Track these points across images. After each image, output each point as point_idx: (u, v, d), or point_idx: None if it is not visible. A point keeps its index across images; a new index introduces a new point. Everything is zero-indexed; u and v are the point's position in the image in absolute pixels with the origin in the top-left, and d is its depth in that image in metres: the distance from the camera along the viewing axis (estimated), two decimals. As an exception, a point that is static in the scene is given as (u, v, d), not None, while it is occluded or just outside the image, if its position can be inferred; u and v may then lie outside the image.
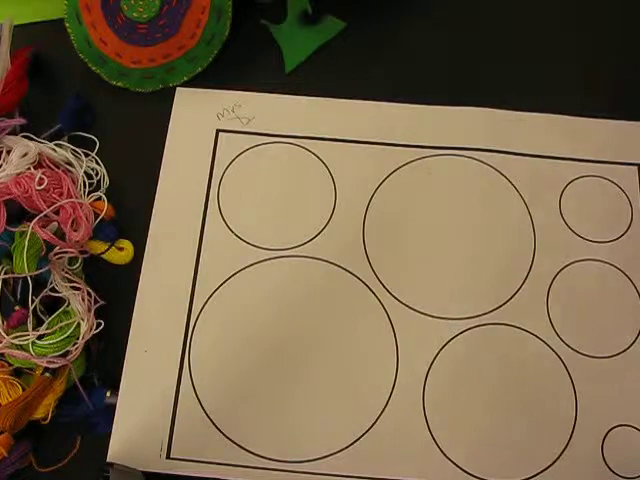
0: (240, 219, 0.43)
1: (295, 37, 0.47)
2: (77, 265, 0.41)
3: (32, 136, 0.42)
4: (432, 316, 0.41)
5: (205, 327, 0.41)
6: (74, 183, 0.41)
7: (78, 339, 0.38)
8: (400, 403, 0.39)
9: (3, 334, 0.37)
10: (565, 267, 0.42)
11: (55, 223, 0.40)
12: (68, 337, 0.37)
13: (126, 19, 0.44)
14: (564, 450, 0.38)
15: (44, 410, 0.37)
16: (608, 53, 0.45)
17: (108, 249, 0.41)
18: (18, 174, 0.40)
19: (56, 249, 0.39)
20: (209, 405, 0.39)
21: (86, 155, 0.43)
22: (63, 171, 0.41)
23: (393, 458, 0.38)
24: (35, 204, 0.39)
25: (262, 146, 0.45)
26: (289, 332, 0.40)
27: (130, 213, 0.43)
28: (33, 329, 0.37)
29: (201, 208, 0.43)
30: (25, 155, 0.41)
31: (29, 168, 0.40)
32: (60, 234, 0.39)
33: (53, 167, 0.41)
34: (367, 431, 0.38)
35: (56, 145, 0.43)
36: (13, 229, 0.39)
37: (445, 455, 0.38)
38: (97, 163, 0.44)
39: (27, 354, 0.37)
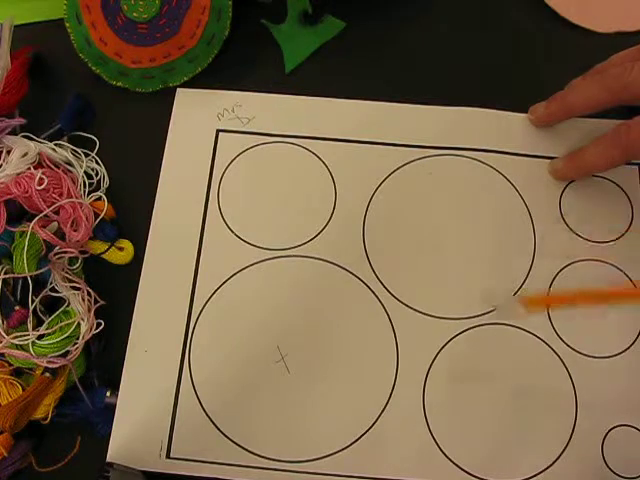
0: (240, 219, 0.43)
1: (295, 37, 0.47)
2: (77, 265, 0.41)
3: (32, 136, 0.42)
4: (432, 316, 0.41)
5: (205, 327, 0.41)
6: (74, 183, 0.41)
7: (78, 339, 0.38)
8: (400, 403, 0.39)
9: (3, 334, 0.37)
10: (565, 267, 0.42)
11: (55, 223, 0.40)
12: (68, 337, 0.37)
13: (126, 19, 0.44)
14: (564, 450, 0.38)
15: (44, 410, 0.37)
16: (608, 53, 0.44)
17: (108, 249, 0.41)
18: (18, 174, 0.40)
19: (56, 249, 0.39)
20: (209, 405, 0.39)
21: (86, 155, 0.43)
22: (63, 171, 0.41)
23: (393, 458, 0.38)
24: (35, 204, 0.39)
25: (262, 146, 0.45)
26: (289, 332, 0.40)
27: (130, 213, 0.43)
28: (33, 329, 0.37)
29: (201, 208, 0.43)
30: (25, 155, 0.41)
31: (29, 168, 0.40)
32: (60, 234, 0.39)
33: (53, 167, 0.41)
34: (367, 431, 0.38)
35: (56, 145, 0.43)
36: (13, 229, 0.39)
37: (445, 455, 0.38)
38: (97, 163, 0.44)
39: (27, 354, 0.37)
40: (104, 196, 0.42)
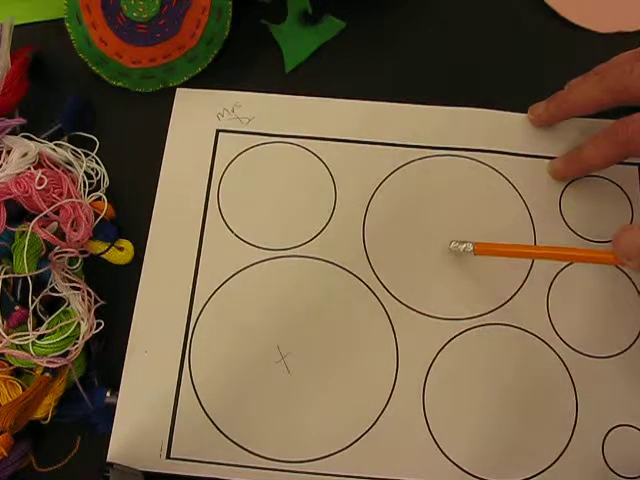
0: (240, 219, 0.43)
1: (295, 37, 0.47)
2: (77, 265, 0.41)
3: (32, 136, 0.42)
4: (432, 316, 0.41)
5: (205, 327, 0.41)
6: (74, 183, 0.41)
7: (78, 339, 0.38)
8: (400, 403, 0.39)
9: (3, 334, 0.37)
10: (565, 267, 0.42)
11: (55, 223, 0.40)
12: (68, 337, 0.37)
13: (126, 19, 0.44)
14: (564, 450, 0.38)
15: (44, 410, 0.37)
16: (608, 53, 0.44)
17: (108, 249, 0.41)
18: (18, 174, 0.40)
19: (56, 249, 0.39)
20: (209, 405, 0.39)
21: (86, 155, 0.43)
22: (63, 171, 0.41)
23: (393, 458, 0.38)
24: (35, 204, 0.39)
25: (262, 146, 0.45)
26: (289, 332, 0.40)
27: (130, 213, 0.43)
28: (33, 329, 0.37)
29: (201, 208, 0.43)
30: (25, 155, 0.41)
31: (29, 168, 0.40)
32: (60, 234, 0.39)
33: (53, 167, 0.41)
34: (367, 431, 0.39)
35: (56, 145, 0.43)
36: (13, 229, 0.39)
37: (445, 455, 0.38)
38: (97, 163, 0.44)
39: (27, 354, 0.37)
40: (104, 196, 0.42)
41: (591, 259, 0.36)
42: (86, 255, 0.41)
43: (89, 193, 0.43)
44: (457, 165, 0.44)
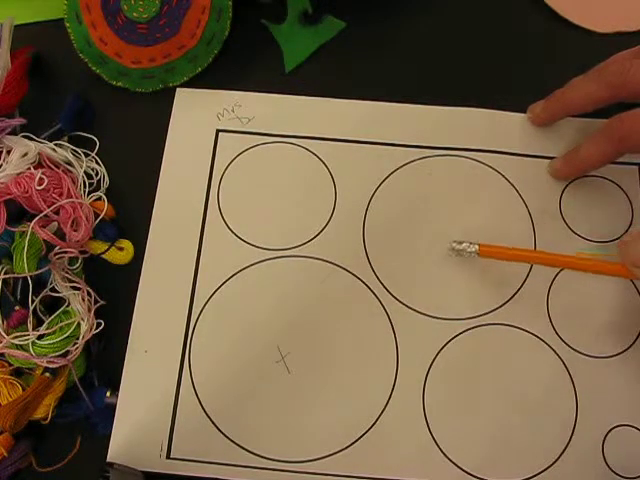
0: (240, 219, 0.43)
1: (295, 37, 0.47)
2: (77, 265, 0.41)
3: (32, 136, 0.42)
4: (432, 316, 0.41)
5: (205, 327, 0.41)
6: (74, 183, 0.41)
7: (78, 339, 0.38)
8: (400, 403, 0.39)
9: (3, 334, 0.37)
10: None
11: (55, 223, 0.40)
12: (68, 337, 0.37)
13: (126, 19, 0.44)
14: (564, 450, 0.38)
15: (44, 410, 0.37)
16: (608, 53, 0.44)
17: (108, 249, 0.41)
18: (18, 174, 0.40)
19: (56, 249, 0.39)
20: (209, 405, 0.39)
21: (86, 155, 0.43)
22: (63, 171, 0.41)
23: (393, 458, 0.38)
24: (35, 204, 0.39)
25: (262, 146, 0.45)
26: (289, 332, 0.40)
27: (130, 213, 0.43)
28: (33, 329, 0.37)
29: (201, 208, 0.43)
30: (25, 155, 0.41)
31: (29, 168, 0.40)
32: (60, 234, 0.39)
33: (53, 167, 0.41)
34: (367, 431, 0.39)
35: (56, 145, 0.43)
36: (13, 229, 0.39)
37: (445, 455, 0.38)
38: (97, 163, 0.44)
39: (27, 354, 0.37)
40: (104, 196, 0.42)
41: (600, 270, 0.35)
42: (86, 255, 0.41)
43: (89, 193, 0.43)
44: (457, 165, 0.44)
